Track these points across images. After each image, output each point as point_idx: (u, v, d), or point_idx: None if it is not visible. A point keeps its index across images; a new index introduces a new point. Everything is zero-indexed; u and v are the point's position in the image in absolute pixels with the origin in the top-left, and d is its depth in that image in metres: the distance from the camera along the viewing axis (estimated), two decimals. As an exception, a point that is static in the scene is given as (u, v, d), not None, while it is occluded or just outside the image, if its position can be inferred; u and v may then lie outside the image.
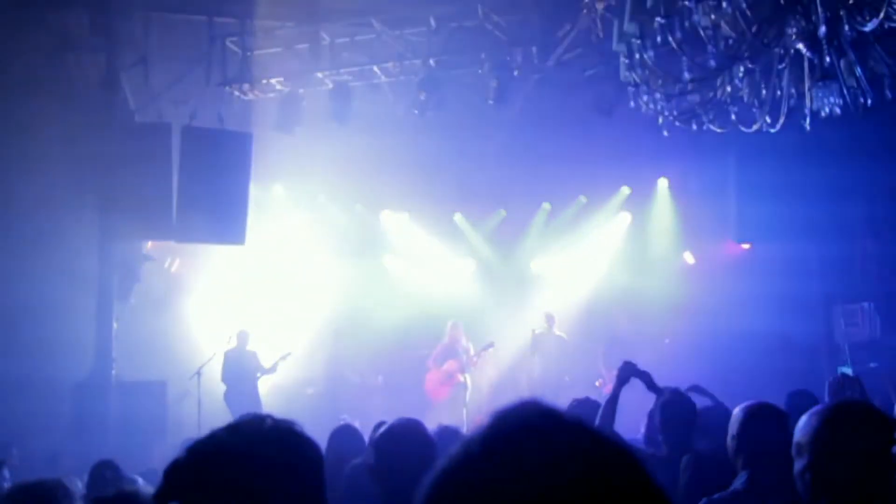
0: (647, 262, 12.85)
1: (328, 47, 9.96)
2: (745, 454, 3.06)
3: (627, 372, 4.53)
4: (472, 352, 12.11)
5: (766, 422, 3.13)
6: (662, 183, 13.22)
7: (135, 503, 2.57)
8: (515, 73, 9.84)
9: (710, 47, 5.72)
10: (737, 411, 3.25)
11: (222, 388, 10.66)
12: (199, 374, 9.81)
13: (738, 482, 3.04)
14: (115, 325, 9.78)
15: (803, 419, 2.32)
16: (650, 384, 4.58)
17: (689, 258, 13.10)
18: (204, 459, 1.54)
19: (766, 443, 3.02)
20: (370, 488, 2.96)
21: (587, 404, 4.93)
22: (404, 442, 2.89)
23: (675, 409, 4.35)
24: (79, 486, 4.40)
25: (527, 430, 0.85)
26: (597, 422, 4.32)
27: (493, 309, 13.02)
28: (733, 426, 3.14)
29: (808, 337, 11.22)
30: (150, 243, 10.69)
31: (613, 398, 4.38)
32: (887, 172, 10.24)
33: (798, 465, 2.33)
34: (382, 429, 3.09)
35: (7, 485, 5.24)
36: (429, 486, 0.85)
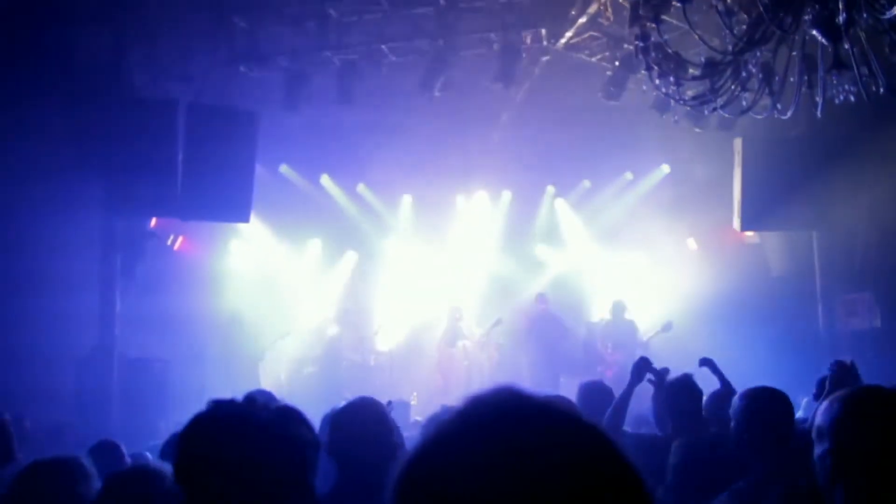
0: (650, 247, 12.86)
1: (336, 25, 9.88)
2: (752, 439, 3.05)
3: (642, 369, 4.63)
4: (475, 332, 12.14)
5: (770, 405, 3.13)
6: (664, 169, 13.24)
7: (148, 479, 2.58)
8: (524, 55, 9.80)
9: (724, 32, 5.70)
10: (736, 399, 3.26)
11: (225, 365, 10.69)
12: (203, 351, 9.82)
13: (752, 473, 3.02)
14: (118, 300, 9.77)
15: (825, 403, 2.33)
16: (661, 382, 4.67)
17: (692, 245, 13.13)
18: (203, 436, 1.57)
19: (773, 427, 3.02)
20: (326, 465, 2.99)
21: (597, 388, 4.96)
22: (359, 420, 2.91)
23: (681, 393, 4.42)
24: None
25: (501, 415, 0.85)
26: (608, 415, 4.38)
27: (497, 291, 13.05)
28: (736, 412, 3.14)
29: (809, 326, 11.25)
30: (154, 220, 10.65)
31: (627, 395, 4.49)
32: (889, 161, 10.22)
33: (818, 449, 2.33)
34: (339, 407, 3.12)
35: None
36: (402, 469, 0.86)
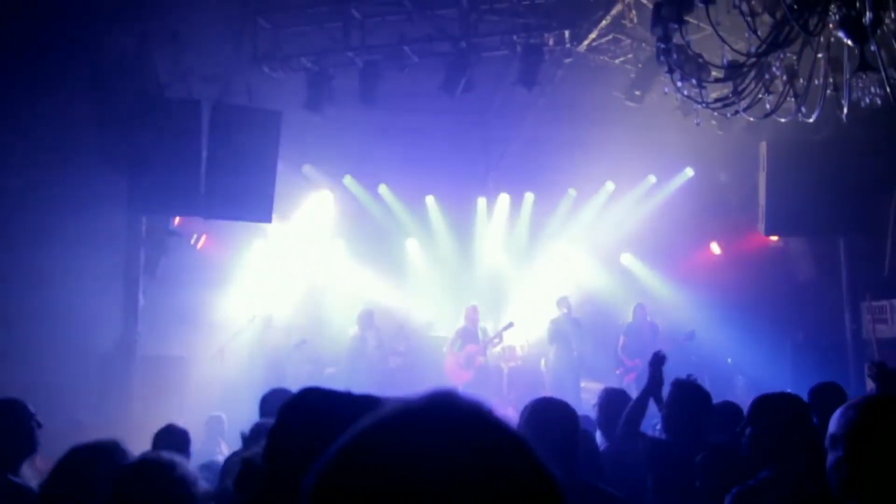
0: (672, 251, 12.75)
1: (359, 26, 9.90)
2: (768, 444, 3.00)
3: (657, 366, 4.51)
4: (490, 334, 12.11)
5: (784, 410, 3.08)
6: (688, 173, 13.13)
7: (160, 468, 2.59)
8: (546, 57, 9.76)
9: (748, 33, 5.63)
10: (752, 402, 3.20)
11: (246, 364, 10.75)
12: (222, 349, 9.87)
13: (760, 475, 2.98)
14: (141, 298, 9.86)
15: (839, 411, 2.28)
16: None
17: (715, 249, 13.00)
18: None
19: (788, 432, 2.98)
20: None
21: (616, 394, 4.88)
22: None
23: (683, 397, 4.28)
24: None
25: (423, 419, 0.85)
26: (621, 422, 4.31)
27: (515, 292, 13.02)
28: (751, 415, 3.10)
29: (835, 333, 11.09)
30: (177, 219, 10.74)
31: (642, 399, 4.40)
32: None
33: (832, 457, 2.28)
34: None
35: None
36: (321, 464, 0.85)
